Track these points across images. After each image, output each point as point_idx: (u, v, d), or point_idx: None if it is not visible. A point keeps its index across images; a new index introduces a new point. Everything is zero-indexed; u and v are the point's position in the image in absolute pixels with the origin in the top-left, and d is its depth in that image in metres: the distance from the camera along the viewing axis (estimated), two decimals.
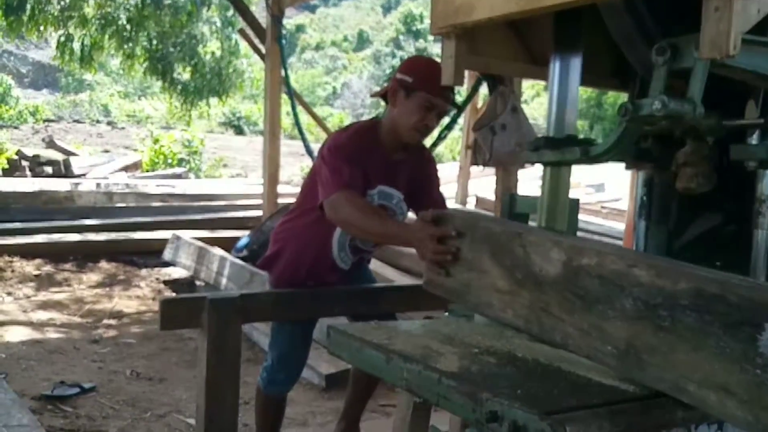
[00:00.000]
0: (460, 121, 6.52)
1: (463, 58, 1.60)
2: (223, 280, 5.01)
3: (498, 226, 1.51)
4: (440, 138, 4.44)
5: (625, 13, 1.57)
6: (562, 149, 1.50)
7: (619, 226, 6.68)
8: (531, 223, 1.85)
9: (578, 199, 1.77)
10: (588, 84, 1.91)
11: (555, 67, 1.59)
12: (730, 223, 1.94)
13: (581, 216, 7.99)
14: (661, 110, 1.23)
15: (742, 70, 1.26)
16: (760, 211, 1.68)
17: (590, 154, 1.45)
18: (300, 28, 31.32)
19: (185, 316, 2.22)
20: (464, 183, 8.42)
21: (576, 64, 1.58)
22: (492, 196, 5.83)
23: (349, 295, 2.41)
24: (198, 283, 5.61)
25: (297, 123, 5.59)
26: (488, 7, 1.42)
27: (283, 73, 5.38)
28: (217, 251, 5.40)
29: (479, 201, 8.66)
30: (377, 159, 2.14)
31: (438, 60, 1.79)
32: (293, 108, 5.49)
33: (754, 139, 1.66)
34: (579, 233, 5.75)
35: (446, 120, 3.80)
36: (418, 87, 2.04)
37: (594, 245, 1.31)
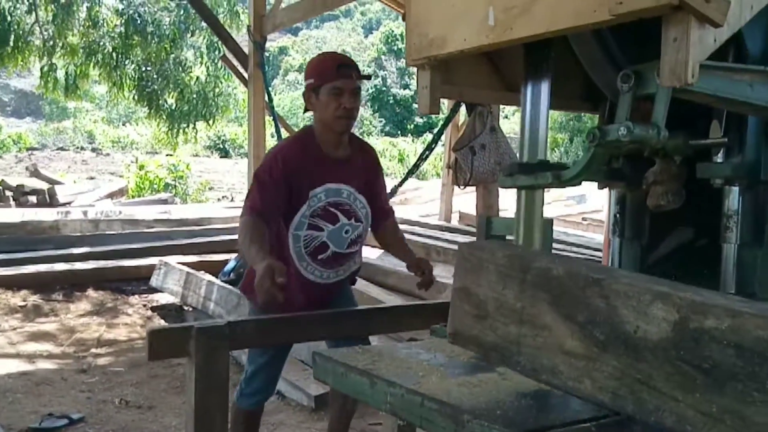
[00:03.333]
0: (443, 137, 6.58)
1: (437, 88, 1.64)
2: (211, 305, 4.99)
3: (561, 267, 1.17)
4: (422, 158, 4.49)
5: (592, 40, 1.61)
6: (535, 174, 1.54)
7: (600, 237, 6.75)
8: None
9: (552, 219, 1.81)
10: (560, 107, 1.96)
11: (526, 95, 1.63)
12: (702, 237, 1.99)
13: (563, 228, 8.05)
14: (626, 136, 1.27)
15: (703, 94, 1.30)
16: (728, 226, 1.73)
17: (562, 179, 1.49)
18: (283, 51, 31.46)
19: (173, 345, 2.22)
20: (448, 199, 8.48)
21: (546, 90, 1.62)
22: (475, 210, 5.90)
23: (334, 318, 2.42)
24: (186, 308, 5.58)
25: None
26: (460, 41, 1.46)
27: (266, 97, 5.42)
28: (205, 276, 5.38)
29: (462, 216, 8.72)
30: (317, 160, 2.23)
31: (328, 51, 1.87)
32: (277, 131, 5.53)
33: (719, 158, 1.71)
34: (560, 245, 5.79)
35: (428, 139, 3.84)
36: (320, 82, 2.17)
37: (720, 300, 0.99)
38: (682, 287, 1.07)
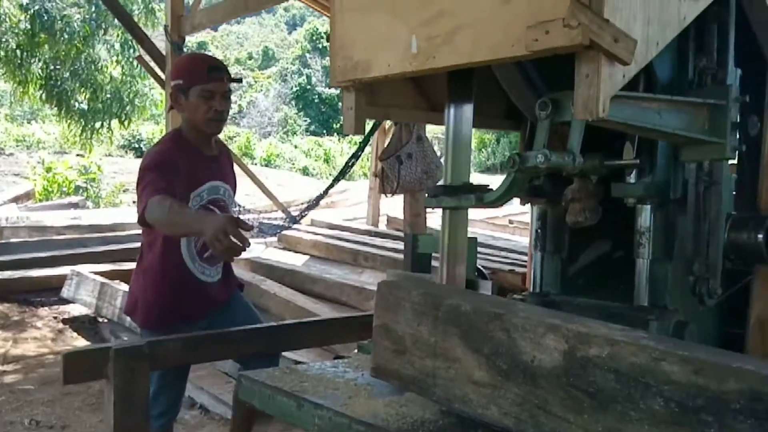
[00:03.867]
0: (370, 141, 6.63)
1: (363, 109, 1.67)
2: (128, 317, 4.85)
3: (468, 304, 1.28)
4: (348, 166, 4.52)
5: (513, 67, 1.69)
6: (458, 196, 1.60)
7: (526, 240, 7.00)
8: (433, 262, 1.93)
9: (476, 238, 1.89)
10: (483, 126, 2.04)
11: (449, 118, 1.69)
12: (618, 251, 2.11)
13: (490, 231, 8.26)
14: (544, 163, 1.34)
15: (615, 122, 1.39)
16: (641, 242, 1.84)
17: (484, 201, 1.56)
18: (202, 46, 30.68)
19: (89, 368, 2.16)
20: (375, 203, 8.56)
21: (468, 113, 1.69)
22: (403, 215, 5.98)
23: (257, 334, 2.42)
24: (101, 320, 5.40)
25: None
26: (385, 66, 1.50)
27: None
28: (121, 286, 5.22)
29: (390, 221, 8.82)
30: (196, 159, 2.28)
31: (197, 52, 1.91)
32: None
33: (632, 178, 1.82)
34: (488, 250, 5.92)
35: (354, 139, 3.87)
36: (190, 84, 2.20)
37: (602, 330, 1.10)
38: (572, 319, 1.18)
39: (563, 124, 1.47)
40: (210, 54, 2.38)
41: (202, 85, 2.19)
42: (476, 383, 1.23)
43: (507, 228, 8.66)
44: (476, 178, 1.76)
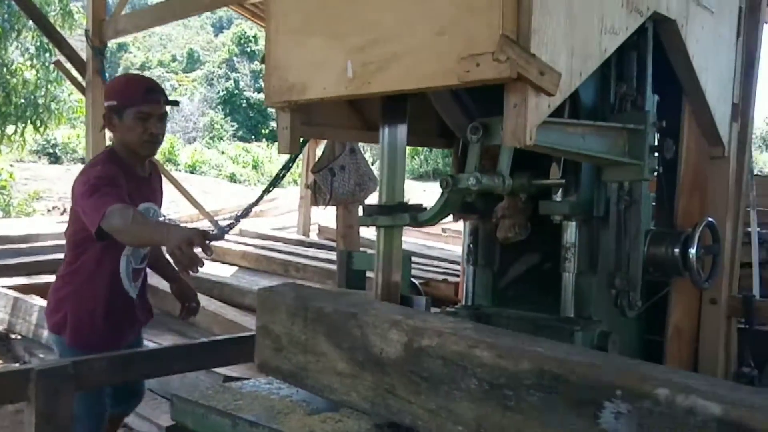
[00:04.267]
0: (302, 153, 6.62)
1: (298, 129, 1.71)
2: (45, 332, 4.66)
3: (330, 305, 1.47)
4: (279, 177, 4.52)
5: (446, 91, 1.77)
6: (393, 215, 1.66)
7: (460, 249, 7.14)
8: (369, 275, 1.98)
9: (410, 254, 1.95)
10: (417, 144, 2.11)
11: (384, 138, 1.74)
12: (547, 262, 2.22)
13: (424, 240, 8.35)
14: (475, 185, 1.41)
15: (542, 146, 1.48)
16: (566, 257, 1.95)
17: (418, 220, 1.62)
18: (123, 47, 29.73)
19: (10, 389, 2.09)
20: (306, 212, 8.54)
21: (402, 134, 1.75)
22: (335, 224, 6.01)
23: (188, 351, 2.40)
24: (14, 336, 5.16)
25: None
26: (320, 89, 1.54)
27: None
28: (35, 300, 5.02)
29: (322, 230, 8.82)
30: (131, 180, 2.27)
31: (133, 73, 1.94)
32: None
33: (558, 196, 1.93)
34: (423, 260, 6.02)
35: (285, 158, 3.88)
36: (125, 105, 2.21)
37: (435, 324, 1.30)
38: (411, 315, 1.39)
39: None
40: (146, 76, 2.36)
41: (139, 106, 2.19)
42: (339, 374, 1.43)
43: (440, 237, 8.82)
44: (409, 185, 1.82)
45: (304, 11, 1.62)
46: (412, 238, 7.98)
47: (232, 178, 20.46)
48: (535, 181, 1.90)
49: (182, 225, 2.31)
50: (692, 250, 2.07)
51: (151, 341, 4.43)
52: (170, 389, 3.45)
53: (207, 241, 1.81)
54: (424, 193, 11.14)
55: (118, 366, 2.26)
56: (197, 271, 1.77)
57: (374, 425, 1.38)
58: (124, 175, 2.24)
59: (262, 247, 7.18)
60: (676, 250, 2.08)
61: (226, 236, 7.18)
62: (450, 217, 2.26)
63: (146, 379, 2.37)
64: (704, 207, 2.49)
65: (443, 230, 8.97)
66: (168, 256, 2.17)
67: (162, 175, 2.59)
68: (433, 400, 1.26)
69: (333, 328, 1.44)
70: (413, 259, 5.56)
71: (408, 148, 2.09)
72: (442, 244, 8.29)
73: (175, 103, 2.48)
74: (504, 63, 1.16)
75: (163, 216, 2.43)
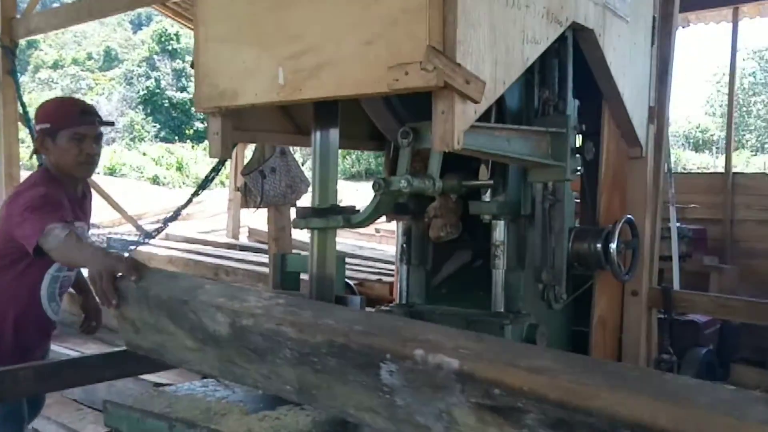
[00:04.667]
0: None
1: (229, 134, 1.75)
2: None
3: (166, 293, 1.64)
4: (208, 180, 4.49)
5: (378, 97, 1.84)
6: (327, 218, 1.72)
7: (393, 249, 7.25)
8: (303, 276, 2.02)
9: (344, 255, 2.02)
10: (348, 147, 2.17)
11: (316, 142, 1.80)
12: (478, 260, 2.33)
13: (356, 240, 8.38)
14: (407, 187, 1.49)
15: (470, 149, 1.57)
16: (496, 254, 2.06)
17: (351, 222, 1.69)
18: (32, 45, 28.40)
19: None
20: (235, 215, 8.44)
21: (334, 138, 1.81)
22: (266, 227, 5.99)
23: (115, 359, 2.37)
24: None
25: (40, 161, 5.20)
26: (252, 95, 1.59)
27: (20, 108, 4.99)
28: None
29: (252, 232, 8.75)
30: (67, 199, 2.26)
31: (66, 96, 1.95)
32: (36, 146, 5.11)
33: (487, 197, 2.04)
34: (356, 260, 6.06)
35: (211, 159, 3.87)
36: (59, 127, 2.21)
37: (250, 305, 1.51)
38: (233, 297, 1.56)
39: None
40: (79, 99, 2.33)
41: (74, 128, 2.18)
42: (190, 349, 1.62)
43: (374, 237, 8.91)
44: (342, 185, 1.88)
45: (233, 20, 1.66)
46: (345, 239, 8.03)
47: (155, 181, 19.93)
48: (465, 182, 2.00)
49: (114, 249, 2.27)
50: (612, 245, 2.22)
51: (74, 350, 4.32)
52: (97, 399, 3.39)
53: (135, 272, 1.76)
54: (356, 193, 11.21)
55: (45, 376, 2.22)
56: (110, 306, 1.76)
57: (312, 421, 1.44)
58: (60, 195, 2.22)
59: (190, 251, 7.07)
60: (598, 245, 2.23)
61: (151, 241, 7.03)
62: (383, 218, 2.34)
63: (72, 387, 2.33)
64: (624, 204, 2.66)
65: (377, 230, 9.06)
66: None
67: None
68: (264, 367, 1.47)
69: (173, 313, 1.61)
70: (347, 259, 5.62)
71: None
72: (375, 244, 8.38)
73: (110, 123, 2.49)
74: (431, 72, 1.24)
75: (95, 236, 2.39)
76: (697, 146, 24.76)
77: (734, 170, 5.53)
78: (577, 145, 2.03)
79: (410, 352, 1.21)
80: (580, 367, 1.12)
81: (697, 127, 25.18)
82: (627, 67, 2.29)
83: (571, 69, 2.01)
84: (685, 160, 22.00)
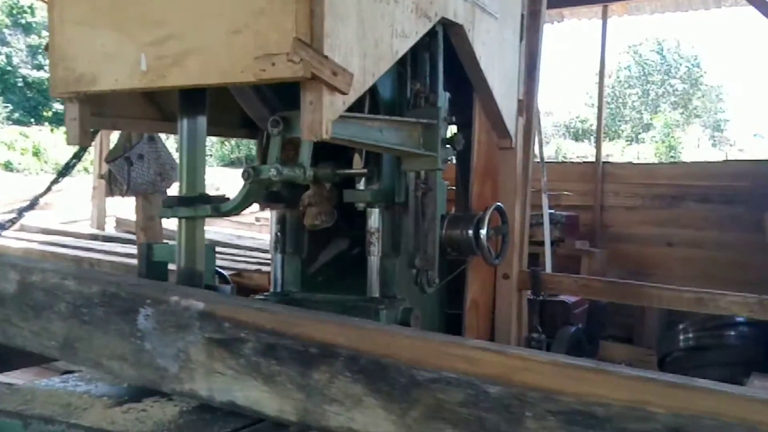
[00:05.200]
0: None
1: (87, 120, 1.73)
2: None
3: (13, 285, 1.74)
4: (69, 167, 4.30)
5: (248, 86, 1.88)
6: (194, 206, 1.75)
7: None
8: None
9: (214, 244, 2.05)
10: (219, 135, 2.19)
11: (183, 130, 1.81)
12: (356, 247, 2.43)
13: (235, 230, 8.24)
14: (276, 176, 1.56)
15: (341, 139, 1.65)
16: (371, 242, 2.17)
17: (221, 210, 1.73)
18: None
19: None
20: (100, 204, 8.10)
21: (202, 125, 1.83)
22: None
23: None
24: None
25: None
26: (112, 80, 1.58)
27: None
28: None
29: (120, 223, 8.42)
30: None
31: None
32: None
33: (361, 185, 2.14)
34: (233, 250, 5.98)
35: (75, 148, 3.71)
36: None
37: (43, 264, 1.70)
38: (27, 263, 1.70)
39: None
40: None
41: None
42: (28, 321, 1.67)
43: (253, 226, 8.81)
44: (220, 172, 1.90)
45: (91, 2, 1.64)
46: (223, 228, 7.92)
47: (8, 167, 18.65)
48: (339, 171, 2.09)
49: None
50: (483, 231, 2.40)
51: None
52: None
53: None
54: (236, 180, 11.02)
55: None
56: None
57: (180, 411, 1.47)
58: None
59: (49, 243, 6.72)
60: (470, 231, 2.40)
61: (4, 233, 6.62)
62: (262, 207, 2.38)
63: None
64: (496, 192, 2.86)
65: (257, 219, 8.97)
66: None
67: None
68: (37, 324, 1.60)
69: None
70: (224, 250, 5.57)
71: None
72: (255, 233, 8.31)
73: None
74: (298, 64, 1.31)
75: None
76: (577, 136, 26.35)
77: (604, 160, 5.99)
78: (449, 136, 2.18)
79: (168, 297, 1.43)
80: (298, 310, 1.52)
81: (577, 118, 26.78)
82: (496, 62, 2.46)
83: (441, 63, 2.14)
84: (566, 149, 23.36)
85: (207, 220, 1.87)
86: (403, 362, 1.22)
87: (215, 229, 7.28)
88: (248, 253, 6.09)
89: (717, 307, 2.71)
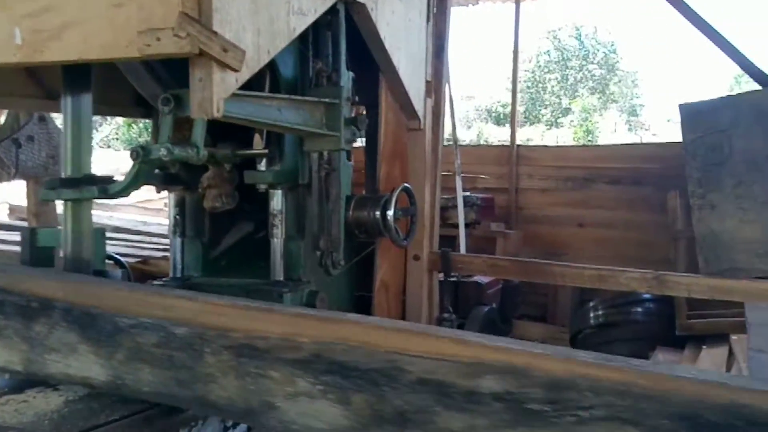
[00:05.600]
0: None
1: None
2: None
3: None
4: None
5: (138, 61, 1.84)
6: (80, 188, 1.71)
7: None
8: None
9: (103, 229, 2.02)
10: (110, 114, 2.15)
11: (67, 108, 1.77)
12: (262, 230, 2.42)
13: (142, 216, 8.02)
14: (167, 156, 1.54)
15: (238, 118, 1.65)
16: (274, 224, 2.18)
17: (108, 192, 1.70)
18: None
19: None
20: None
21: (87, 103, 1.79)
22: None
23: None
24: None
25: None
26: None
27: None
28: None
29: (13, 209, 8.05)
30: None
31: None
32: None
33: (263, 166, 2.14)
34: (138, 236, 5.84)
35: None
36: None
37: None
38: None
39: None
40: None
41: None
42: None
43: (162, 212, 8.59)
44: (127, 156, 1.85)
45: None
46: (129, 214, 7.71)
47: None
48: (239, 151, 2.08)
49: None
50: (390, 212, 2.44)
51: None
52: None
53: None
54: (148, 193, 10.67)
55: None
56: None
57: (65, 401, 1.45)
58: None
59: None
60: (377, 212, 2.44)
61: None
62: (159, 189, 2.35)
63: None
64: (405, 174, 2.92)
65: (165, 205, 8.74)
66: None
67: None
68: None
69: None
70: (131, 237, 5.44)
71: None
72: (163, 219, 8.12)
73: None
74: (184, 39, 1.30)
75: None
76: (499, 120, 26.93)
77: (518, 143, 6.17)
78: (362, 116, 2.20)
79: None
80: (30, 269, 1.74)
81: (498, 102, 27.36)
82: (402, 42, 2.50)
83: (344, 42, 2.16)
84: (488, 133, 23.86)
85: (113, 206, 1.83)
86: (108, 311, 1.38)
87: (120, 215, 7.08)
88: (155, 239, 5.96)
89: (617, 283, 2.87)
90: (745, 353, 3.26)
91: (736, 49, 3.09)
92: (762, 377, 2.48)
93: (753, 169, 2.77)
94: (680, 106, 2.76)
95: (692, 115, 2.77)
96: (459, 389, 1.01)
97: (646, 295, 4.40)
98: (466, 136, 23.01)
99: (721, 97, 2.74)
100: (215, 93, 1.40)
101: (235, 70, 1.43)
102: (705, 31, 3.09)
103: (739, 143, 2.75)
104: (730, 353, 3.70)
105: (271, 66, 2.00)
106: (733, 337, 3.82)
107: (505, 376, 0.97)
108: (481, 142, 19.08)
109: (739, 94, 2.83)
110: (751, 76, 2.97)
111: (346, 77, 2.20)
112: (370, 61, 2.45)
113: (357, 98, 2.22)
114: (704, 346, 4.00)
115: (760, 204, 2.75)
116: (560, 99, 27.15)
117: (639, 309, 4.53)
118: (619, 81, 28.14)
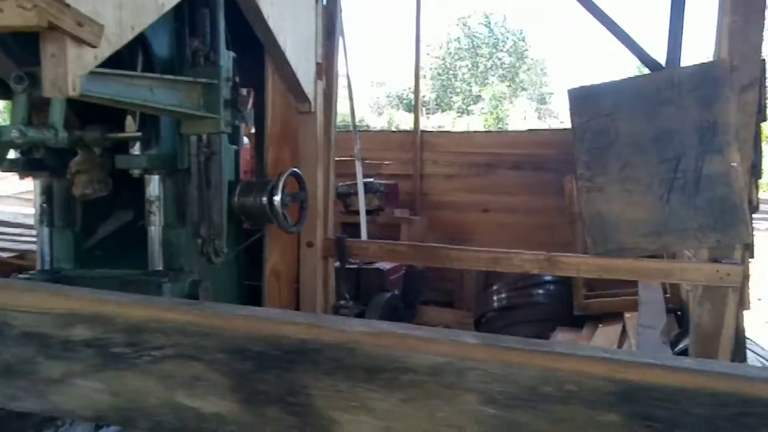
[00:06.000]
0: None
1: None
2: None
3: None
4: None
5: None
6: None
7: None
8: None
9: None
10: None
11: None
12: (137, 220, 2.37)
13: (22, 208, 7.68)
14: (20, 138, 1.49)
15: (102, 98, 1.61)
16: (151, 211, 2.14)
17: None
18: None
19: None
20: None
21: None
22: None
23: None
24: None
25: None
26: None
27: None
28: None
29: None
30: None
31: None
32: None
33: (137, 150, 2.09)
34: (18, 229, 5.59)
35: None
36: None
37: None
38: None
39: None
40: None
41: None
42: None
43: None
44: None
45: None
46: (8, 206, 7.39)
47: None
48: (109, 134, 2.03)
49: None
50: (277, 198, 2.42)
51: None
52: None
53: None
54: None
55: None
56: None
57: None
58: None
59: None
60: (263, 198, 2.42)
61: None
62: (23, 176, 2.25)
63: None
64: (296, 158, 2.91)
65: None
66: None
67: None
68: None
69: None
70: (8, 230, 5.20)
71: None
72: None
73: None
74: (30, 11, 1.25)
75: None
76: (410, 107, 27.20)
77: (423, 129, 6.26)
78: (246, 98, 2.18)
79: None
80: None
81: (409, 89, 27.62)
82: (288, 22, 2.49)
83: (222, 19, 2.13)
84: (399, 120, 24.06)
85: None
86: None
87: (1, 207, 6.78)
88: (34, 232, 5.72)
89: (511, 266, 2.97)
90: (635, 329, 3.46)
91: (629, 36, 3.24)
92: (645, 351, 2.66)
93: (638, 152, 2.92)
94: (569, 90, 2.87)
95: (579, 99, 2.89)
96: (57, 338, 1.09)
97: (548, 278, 4.58)
98: (377, 123, 23.16)
99: (606, 82, 2.87)
100: (70, 70, 1.35)
101: (93, 46, 1.39)
102: (599, 18, 3.23)
103: (624, 127, 2.89)
104: (624, 331, 3.92)
105: (144, 44, 1.95)
106: (627, 315, 4.06)
107: (93, 324, 1.07)
108: (392, 129, 19.24)
109: (624, 78, 2.97)
110: (642, 61, 3.13)
111: (226, 57, 2.17)
112: (256, 40, 2.43)
113: (239, 79, 2.19)
114: (600, 325, 4.21)
115: (645, 186, 2.91)
116: (471, 86, 27.67)
117: (540, 291, 4.71)
118: (528, 69, 28.94)
